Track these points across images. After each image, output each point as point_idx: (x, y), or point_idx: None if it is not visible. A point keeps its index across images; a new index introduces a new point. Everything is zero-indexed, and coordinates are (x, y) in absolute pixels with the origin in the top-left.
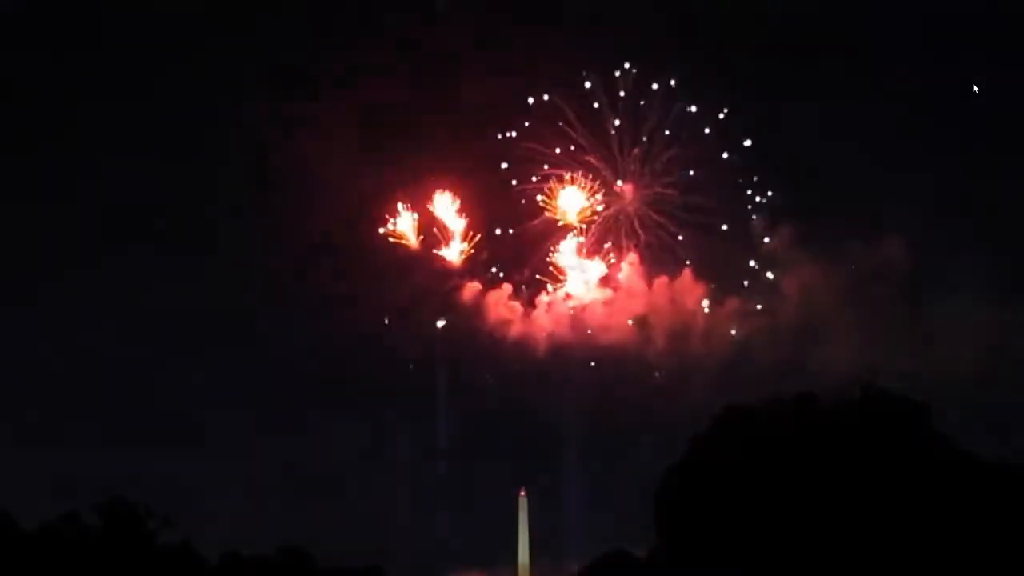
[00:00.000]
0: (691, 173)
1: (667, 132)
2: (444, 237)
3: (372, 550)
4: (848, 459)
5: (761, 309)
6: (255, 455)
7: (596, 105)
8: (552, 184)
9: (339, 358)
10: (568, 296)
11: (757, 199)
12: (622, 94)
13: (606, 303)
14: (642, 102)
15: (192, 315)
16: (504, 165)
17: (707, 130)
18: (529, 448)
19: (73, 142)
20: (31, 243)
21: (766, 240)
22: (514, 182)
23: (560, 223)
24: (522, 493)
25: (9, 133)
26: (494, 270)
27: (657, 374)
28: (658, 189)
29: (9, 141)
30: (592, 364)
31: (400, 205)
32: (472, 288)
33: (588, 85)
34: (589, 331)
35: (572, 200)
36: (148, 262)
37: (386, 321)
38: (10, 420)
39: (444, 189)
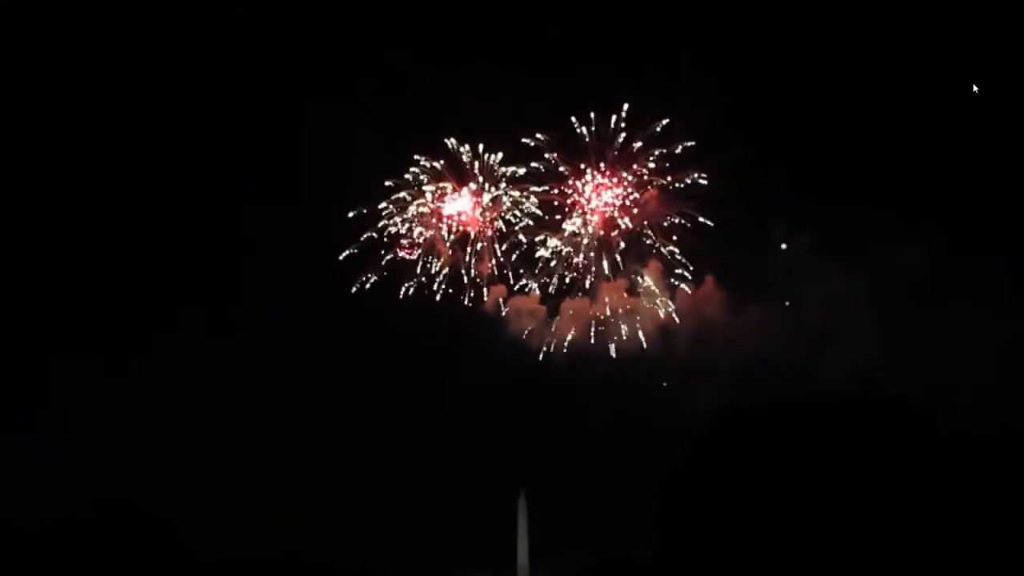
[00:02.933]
0: (711, 183)
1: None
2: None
3: (371, 553)
4: (849, 462)
5: (779, 316)
6: (255, 456)
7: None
8: (577, 196)
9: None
10: (591, 303)
11: (776, 207)
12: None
13: (628, 311)
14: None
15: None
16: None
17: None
18: (530, 450)
19: None
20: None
21: (784, 248)
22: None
23: (585, 231)
24: (522, 496)
25: None
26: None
27: (664, 384)
28: (680, 201)
29: None
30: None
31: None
32: (496, 292)
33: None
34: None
35: (596, 208)
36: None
37: None
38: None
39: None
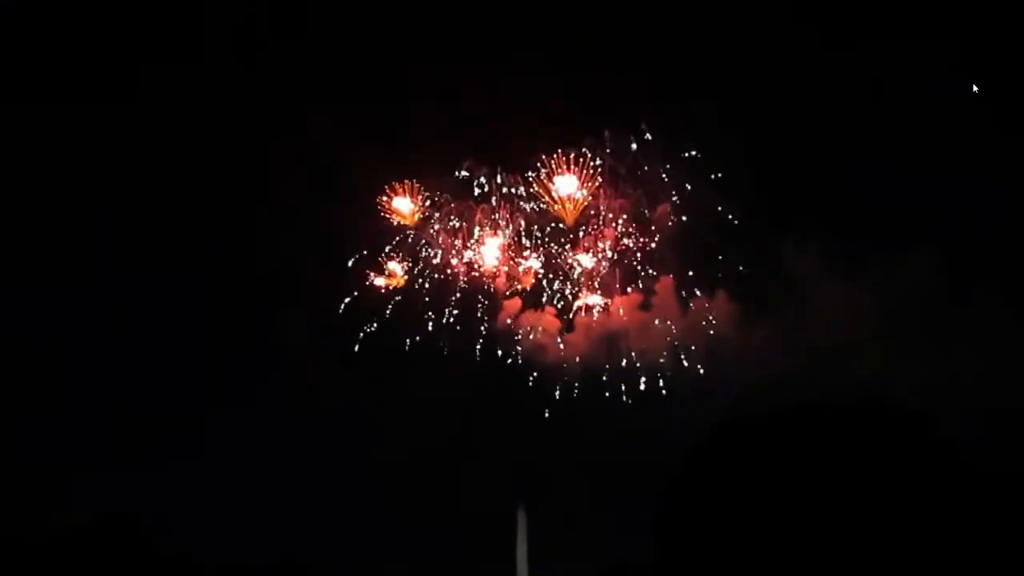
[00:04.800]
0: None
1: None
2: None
3: (367, 567)
4: (849, 469)
5: (788, 328)
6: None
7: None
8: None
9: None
10: (605, 317)
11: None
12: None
13: (642, 326)
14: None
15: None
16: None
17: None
18: (528, 464)
19: None
20: None
21: (794, 261)
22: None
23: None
24: (521, 510)
25: None
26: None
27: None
28: (690, 215)
29: None
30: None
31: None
32: (511, 306)
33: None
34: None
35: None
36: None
37: None
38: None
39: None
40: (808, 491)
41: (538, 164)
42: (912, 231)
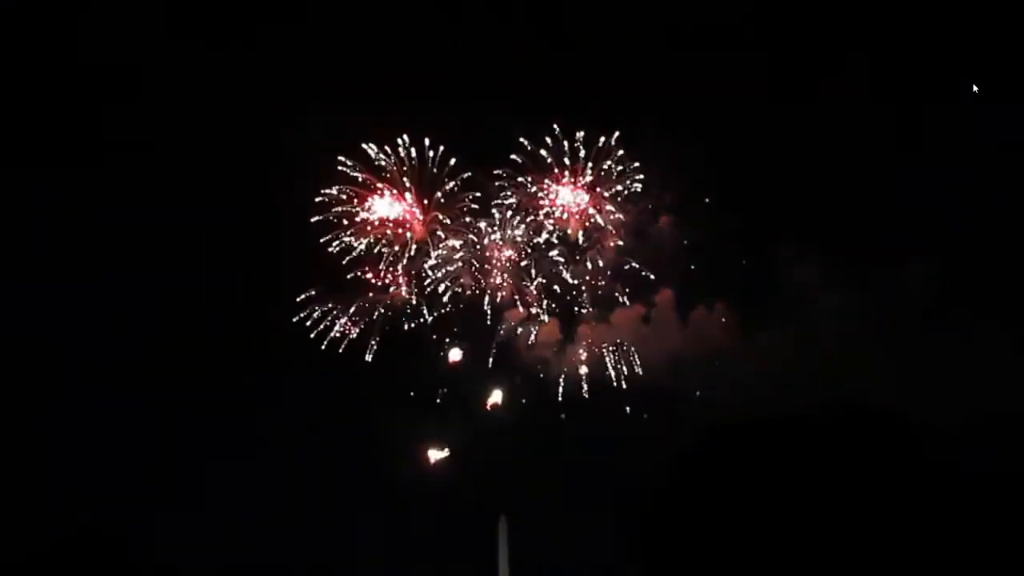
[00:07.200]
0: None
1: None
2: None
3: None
4: (834, 478)
5: (787, 339)
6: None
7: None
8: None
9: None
10: (605, 330)
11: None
12: None
13: (642, 338)
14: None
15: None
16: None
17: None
18: (510, 472)
19: None
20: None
21: (792, 271)
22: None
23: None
24: (502, 518)
25: None
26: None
27: (645, 415)
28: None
29: None
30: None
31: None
32: (513, 316)
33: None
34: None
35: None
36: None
37: None
38: None
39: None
40: (797, 499)
41: (539, 178)
42: (911, 236)
